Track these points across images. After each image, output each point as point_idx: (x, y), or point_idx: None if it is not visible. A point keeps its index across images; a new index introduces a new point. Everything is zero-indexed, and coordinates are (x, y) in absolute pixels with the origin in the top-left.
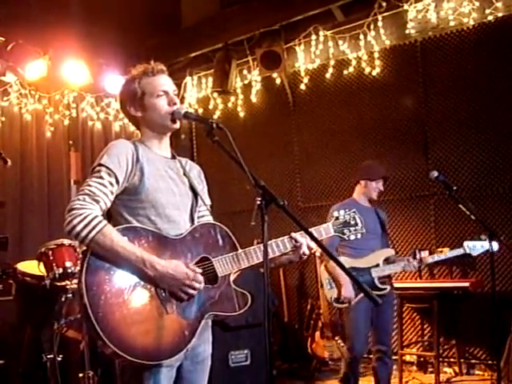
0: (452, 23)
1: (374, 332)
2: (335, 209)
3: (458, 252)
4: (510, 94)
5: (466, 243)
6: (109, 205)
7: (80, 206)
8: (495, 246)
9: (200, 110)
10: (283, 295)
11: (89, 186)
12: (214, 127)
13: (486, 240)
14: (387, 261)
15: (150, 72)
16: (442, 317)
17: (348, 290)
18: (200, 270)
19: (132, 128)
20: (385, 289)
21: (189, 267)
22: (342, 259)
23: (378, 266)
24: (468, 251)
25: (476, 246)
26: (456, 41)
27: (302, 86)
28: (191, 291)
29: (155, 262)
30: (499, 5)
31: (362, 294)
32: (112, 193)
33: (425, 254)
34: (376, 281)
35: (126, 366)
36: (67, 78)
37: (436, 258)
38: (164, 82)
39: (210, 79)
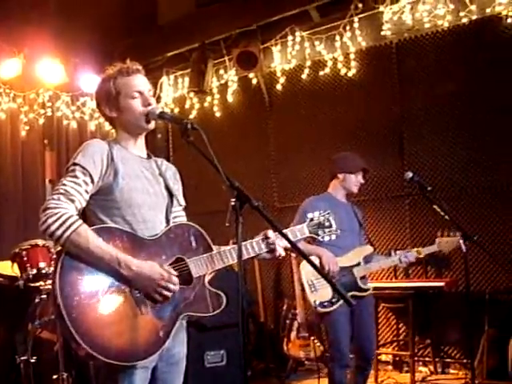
0: (427, 25)
1: (354, 341)
2: (309, 202)
3: (430, 250)
4: (485, 96)
5: (437, 239)
6: (84, 204)
7: (55, 205)
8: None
9: (176, 110)
10: (259, 295)
11: (64, 185)
12: (189, 127)
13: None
14: (366, 259)
15: (125, 72)
16: (417, 316)
17: (327, 255)
18: (175, 273)
19: (108, 127)
20: (368, 289)
21: (164, 268)
22: None
23: (359, 264)
24: (438, 248)
25: (448, 242)
26: (431, 42)
27: (278, 87)
28: (166, 292)
29: (130, 263)
30: (473, 8)
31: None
32: (87, 192)
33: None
34: (358, 280)
35: (100, 367)
36: (42, 77)
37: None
38: (139, 82)
39: (187, 79)
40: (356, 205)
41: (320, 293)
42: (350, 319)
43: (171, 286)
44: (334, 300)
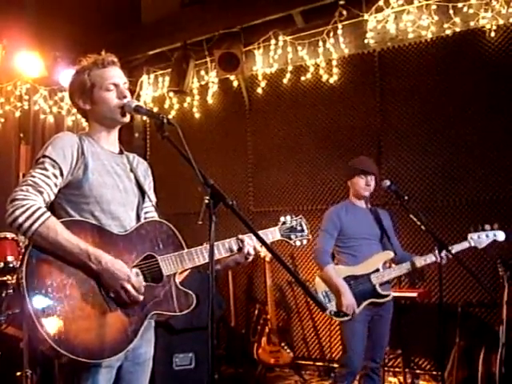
0: (411, 35)
1: (366, 346)
2: (332, 211)
3: (463, 246)
4: (465, 108)
5: (470, 235)
6: (52, 197)
7: (23, 197)
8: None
9: (155, 109)
10: (231, 299)
11: (32, 176)
12: (165, 122)
13: (491, 230)
14: (387, 264)
15: (100, 63)
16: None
17: (348, 298)
18: (143, 281)
19: (85, 123)
20: (388, 295)
21: (133, 273)
22: (338, 268)
23: (377, 271)
24: (473, 244)
25: (481, 237)
26: (414, 53)
27: (259, 90)
28: (124, 296)
29: (100, 256)
30: (457, 20)
31: (362, 305)
32: (56, 185)
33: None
34: (378, 287)
35: (63, 364)
36: (21, 69)
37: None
38: (114, 74)
39: (167, 78)
40: (383, 209)
41: (335, 302)
42: (367, 327)
43: (133, 292)
44: None
